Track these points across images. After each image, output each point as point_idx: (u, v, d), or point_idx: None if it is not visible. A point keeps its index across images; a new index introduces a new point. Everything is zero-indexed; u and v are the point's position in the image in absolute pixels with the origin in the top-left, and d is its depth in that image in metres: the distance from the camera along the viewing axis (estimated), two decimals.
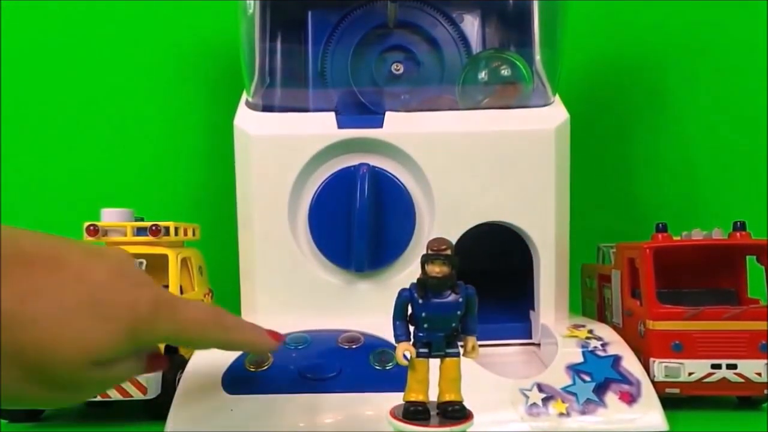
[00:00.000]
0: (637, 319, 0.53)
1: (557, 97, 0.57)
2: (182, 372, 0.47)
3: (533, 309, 0.56)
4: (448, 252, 0.35)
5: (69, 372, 0.30)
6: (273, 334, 0.40)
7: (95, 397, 0.34)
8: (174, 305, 0.35)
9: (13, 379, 0.29)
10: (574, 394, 0.45)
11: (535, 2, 0.58)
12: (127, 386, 0.47)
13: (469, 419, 0.34)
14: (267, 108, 0.56)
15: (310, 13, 0.62)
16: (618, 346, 0.49)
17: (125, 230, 0.55)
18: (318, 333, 0.50)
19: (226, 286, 0.60)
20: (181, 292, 0.56)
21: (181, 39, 0.82)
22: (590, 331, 0.52)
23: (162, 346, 0.42)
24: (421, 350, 0.35)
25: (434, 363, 0.35)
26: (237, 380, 0.45)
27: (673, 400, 0.49)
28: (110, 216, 0.56)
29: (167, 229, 0.56)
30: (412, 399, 0.35)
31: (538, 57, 0.58)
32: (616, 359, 0.48)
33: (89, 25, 0.82)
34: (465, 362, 0.36)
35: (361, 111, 0.58)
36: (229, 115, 0.56)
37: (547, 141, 0.53)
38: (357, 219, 0.52)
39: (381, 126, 0.54)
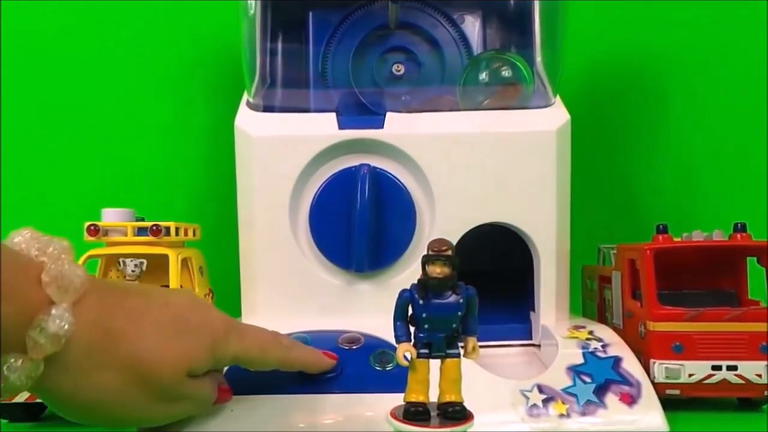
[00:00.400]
0: (637, 320, 0.53)
1: (558, 98, 0.57)
2: None
3: (533, 310, 0.56)
4: (449, 253, 0.35)
5: (171, 380, 0.35)
6: (328, 354, 0.45)
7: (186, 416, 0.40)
8: (240, 327, 0.40)
9: (128, 390, 0.34)
10: (575, 395, 0.45)
11: (535, 3, 0.58)
12: None
13: (470, 420, 0.34)
14: (268, 108, 0.56)
15: (311, 14, 0.62)
16: (618, 347, 0.49)
17: (126, 230, 0.55)
18: (318, 333, 0.50)
19: (226, 286, 0.60)
20: None
21: (182, 39, 0.82)
22: (590, 332, 0.52)
23: None
24: (422, 351, 0.35)
25: (435, 364, 0.35)
26: (237, 380, 0.45)
27: (674, 402, 0.49)
28: (111, 216, 0.56)
29: (168, 229, 0.56)
30: (413, 399, 0.35)
31: (538, 58, 0.58)
32: (617, 360, 0.48)
33: (90, 26, 0.82)
34: (465, 363, 0.36)
35: (362, 112, 0.58)
36: (230, 115, 0.56)
37: (548, 142, 0.53)
38: (357, 220, 0.52)
39: (382, 127, 0.54)
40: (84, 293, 0.33)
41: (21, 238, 0.33)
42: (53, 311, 0.31)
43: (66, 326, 0.31)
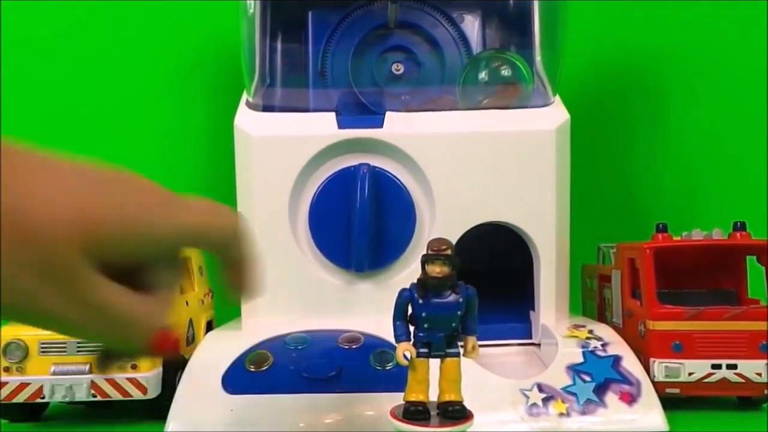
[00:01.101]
0: (637, 319, 0.53)
1: (557, 97, 0.57)
2: (182, 372, 0.47)
3: (533, 309, 0.56)
4: (449, 252, 0.35)
5: (62, 251, 0.26)
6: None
7: (93, 335, 0.28)
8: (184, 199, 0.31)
9: (4, 257, 0.25)
10: (575, 395, 0.45)
11: (535, 3, 0.58)
12: (127, 386, 0.47)
13: (469, 419, 0.34)
14: (267, 108, 0.56)
15: (310, 13, 0.62)
16: (618, 346, 0.49)
17: None
18: (318, 333, 0.50)
19: None
20: (182, 293, 0.56)
21: (182, 39, 0.82)
22: (590, 332, 0.52)
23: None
24: (422, 350, 0.35)
25: (434, 363, 0.35)
26: (237, 380, 0.45)
27: (674, 401, 0.49)
28: None
29: None
30: (413, 399, 0.35)
31: (538, 57, 0.58)
32: (616, 359, 0.48)
33: (90, 26, 0.82)
34: (465, 362, 0.36)
35: (362, 111, 0.58)
36: (230, 115, 0.56)
37: (548, 141, 0.53)
38: (357, 219, 0.52)
39: (381, 126, 0.54)
40: None
41: None
42: None
43: None
